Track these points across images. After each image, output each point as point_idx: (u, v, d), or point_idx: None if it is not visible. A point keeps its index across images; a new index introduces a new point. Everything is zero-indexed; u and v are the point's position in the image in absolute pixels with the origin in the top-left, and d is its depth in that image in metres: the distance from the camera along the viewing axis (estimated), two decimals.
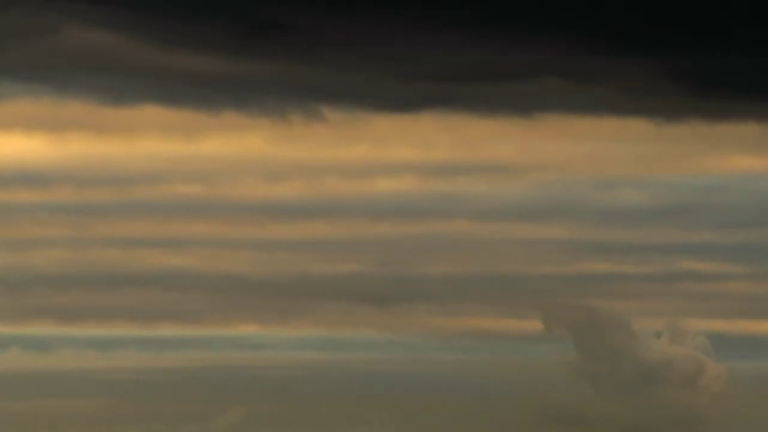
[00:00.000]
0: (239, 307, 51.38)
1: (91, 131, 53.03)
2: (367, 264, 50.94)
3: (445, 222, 51.93)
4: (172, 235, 51.55)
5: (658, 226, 52.80)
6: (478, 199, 52.42)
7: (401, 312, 50.89)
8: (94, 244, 52.28)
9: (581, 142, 52.50)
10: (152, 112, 52.46)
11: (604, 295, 53.52)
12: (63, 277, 50.48)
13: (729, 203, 53.18)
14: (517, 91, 50.50)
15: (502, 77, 52.00)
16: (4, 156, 53.50)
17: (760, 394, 48.99)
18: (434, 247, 51.27)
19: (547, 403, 47.31)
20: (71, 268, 51.14)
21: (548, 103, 48.78)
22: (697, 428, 49.42)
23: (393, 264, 50.66)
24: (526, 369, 48.53)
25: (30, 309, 50.47)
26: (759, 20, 49.07)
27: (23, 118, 53.17)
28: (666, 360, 50.79)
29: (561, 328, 49.43)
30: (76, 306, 49.92)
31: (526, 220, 51.62)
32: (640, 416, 48.91)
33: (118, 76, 51.28)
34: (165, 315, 50.27)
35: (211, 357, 50.23)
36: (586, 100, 50.13)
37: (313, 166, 53.08)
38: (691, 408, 49.22)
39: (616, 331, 50.34)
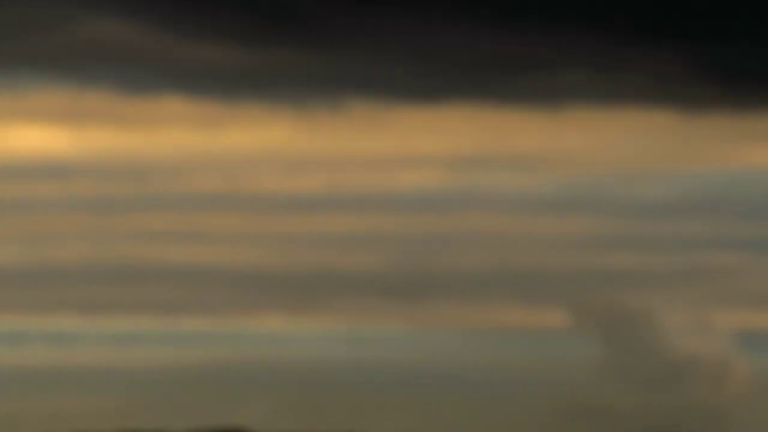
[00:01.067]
0: (262, 301, 50.75)
1: (111, 122, 52.44)
2: (391, 257, 50.16)
3: (470, 214, 51.02)
4: (194, 227, 50.90)
5: (686, 218, 51.77)
6: (503, 192, 51.35)
7: (425, 306, 50.10)
8: (116, 237, 51.79)
9: (608, 133, 51.36)
10: (172, 104, 51.94)
11: (630, 288, 52.67)
12: (85, 271, 50.09)
13: (758, 196, 52.30)
14: (542, 82, 49.39)
15: (527, 67, 50.70)
16: (23, 148, 53.22)
17: None
18: (459, 240, 50.36)
19: (572, 397, 46.77)
20: (93, 262, 50.93)
21: (574, 93, 47.39)
22: (724, 424, 48.85)
23: (417, 257, 49.92)
24: (551, 363, 47.74)
25: (52, 303, 50.24)
26: None
27: (43, 110, 52.74)
28: (693, 355, 50.18)
29: (587, 323, 49.02)
30: (99, 300, 49.69)
31: (552, 212, 50.57)
32: (666, 412, 48.18)
33: (137, 67, 50.70)
34: (188, 309, 49.68)
35: (234, 351, 49.65)
36: (613, 91, 48.78)
37: (336, 158, 52.38)
38: (719, 404, 48.54)
39: (643, 325, 49.70)
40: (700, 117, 51.39)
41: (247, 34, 48.77)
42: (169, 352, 49.65)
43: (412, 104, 52.71)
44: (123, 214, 51.59)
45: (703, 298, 53.62)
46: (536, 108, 49.89)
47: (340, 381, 47.00)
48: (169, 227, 51.57)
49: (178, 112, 49.41)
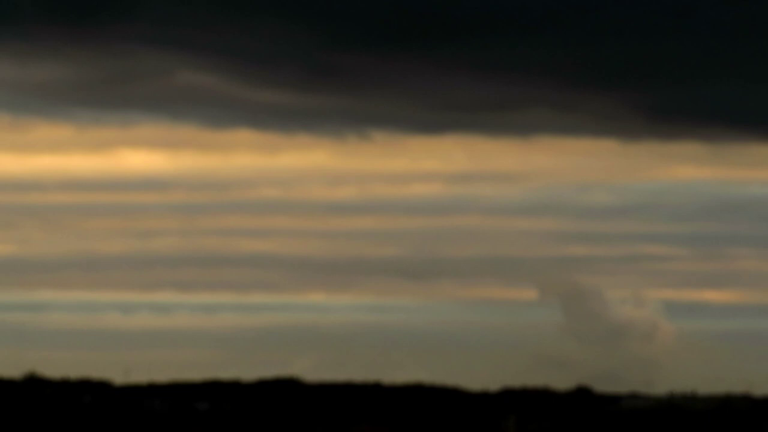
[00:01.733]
0: (310, 281, 64.46)
1: (197, 149, 66.13)
2: (405, 249, 65.25)
3: (462, 217, 66.03)
4: (259, 227, 65.10)
5: (624, 220, 65.39)
6: (488, 200, 65.95)
7: (430, 284, 63.44)
8: (201, 233, 65.54)
9: (565, 157, 64.35)
10: (243, 135, 63.21)
11: (583, 272, 65.91)
12: (178, 259, 62.80)
13: (676, 203, 65.82)
14: (516, 118, 61.68)
15: (506, 107, 62.66)
16: (132, 168, 65.46)
17: (701, 346, 59.27)
18: (455, 236, 64.51)
19: (539, 352, 58.46)
20: (183, 252, 62.35)
21: (540, 127, 59.71)
22: (652, 369, 60.23)
23: (424, 249, 64.15)
24: (524, 327, 59.73)
25: (155, 282, 61.71)
26: (698, 64, 60.06)
27: (146, 139, 66.12)
28: (630, 320, 62.06)
29: (551, 297, 58.28)
30: (189, 280, 62.28)
31: (524, 215, 65.11)
32: (610, 361, 60.04)
33: (217, 107, 63.55)
34: (255, 287, 62.83)
35: (288, 318, 61.90)
36: (569, 125, 60.50)
37: (364, 175, 65.55)
38: (649, 355, 59.64)
39: (593, 299, 61.71)
40: (634, 144, 63.65)
41: (298, 82, 59.02)
42: (241, 319, 59.78)
43: (420, 135, 65.32)
44: (206, 216, 63.64)
45: (638, 279, 65.54)
46: (512, 137, 61.91)
47: (368, 340, 58.11)
48: (241, 226, 62.07)
49: (247, 140, 60.93)
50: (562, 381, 71.21)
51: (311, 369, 59.99)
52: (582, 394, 73.53)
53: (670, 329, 64.86)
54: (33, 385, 76.91)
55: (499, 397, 71.47)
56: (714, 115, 66.90)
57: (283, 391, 72.42)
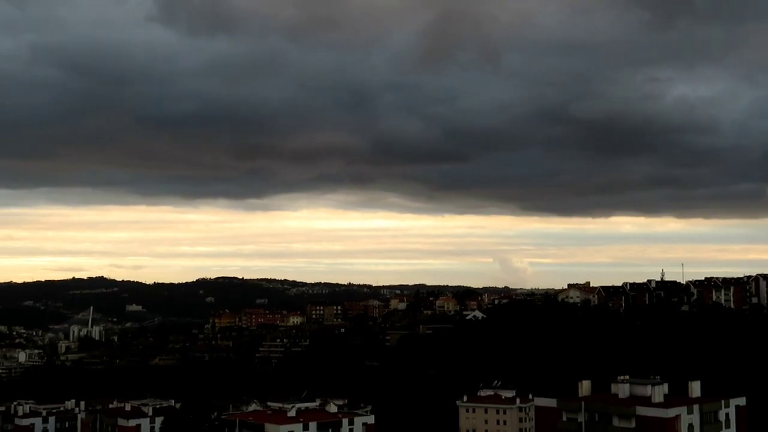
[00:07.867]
0: (429, 256, 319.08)
1: (397, 220, 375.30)
2: (455, 247, 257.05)
3: (471, 239, 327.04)
4: (419, 242, 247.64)
5: (515, 238, 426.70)
6: (477, 236, 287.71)
7: (464, 257, 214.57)
8: (400, 244, 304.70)
9: (495, 222, 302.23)
10: (409, 215, 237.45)
11: (505, 255, 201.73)
12: (390, 251, 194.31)
13: (533, 234, 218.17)
14: (483, 210, 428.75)
15: (476, 208, 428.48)
16: (370, 226, 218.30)
17: (542, 275, 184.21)
18: (469, 245, 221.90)
19: (493, 276, 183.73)
20: (395, 251, 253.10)
21: (487, 213, 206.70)
22: (526, 282, 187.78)
23: (462, 247, 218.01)
24: (488, 269, 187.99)
25: (383, 258, 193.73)
26: (541, 189, 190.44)
27: (378, 217, 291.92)
28: (520, 266, 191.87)
29: (498, 262, 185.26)
30: (394, 261, 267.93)
31: (487, 239, 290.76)
32: (515, 279, 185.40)
33: (403, 209, 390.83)
34: (412, 259, 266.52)
35: (422, 265, 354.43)
36: (499, 212, 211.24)
37: (442, 226, 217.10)
38: (526, 277, 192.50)
39: (509, 262, 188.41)
40: (515, 217, 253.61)
41: (424, 200, 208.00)
42: (412, 267, 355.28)
43: (457, 215, 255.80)
44: (400, 238, 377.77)
45: (522, 257, 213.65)
46: (482, 215, 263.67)
47: (443, 275, 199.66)
48: (412, 239, 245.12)
49: (409, 218, 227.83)
50: (500, 284, 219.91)
51: (430, 279, 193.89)
52: (506, 289, 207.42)
53: (531, 270, 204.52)
54: (352, 290, 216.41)
55: (479, 290, 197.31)
56: (545, 208, 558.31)
57: (417, 289, 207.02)
